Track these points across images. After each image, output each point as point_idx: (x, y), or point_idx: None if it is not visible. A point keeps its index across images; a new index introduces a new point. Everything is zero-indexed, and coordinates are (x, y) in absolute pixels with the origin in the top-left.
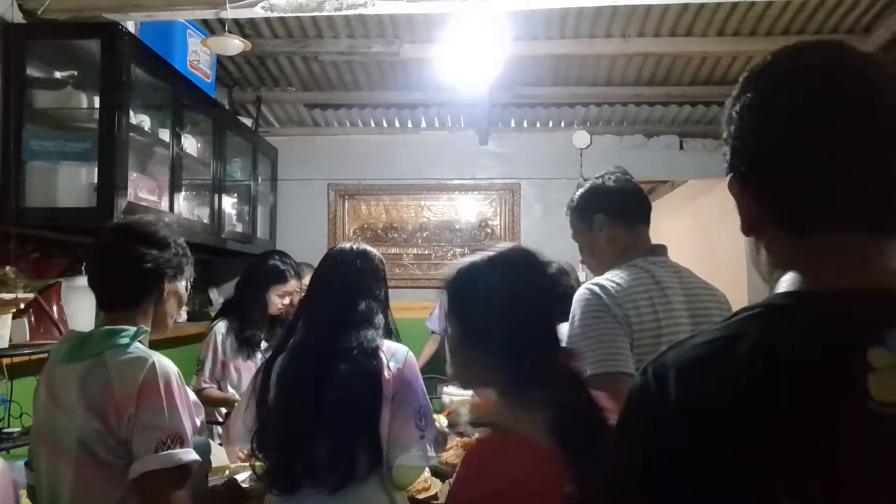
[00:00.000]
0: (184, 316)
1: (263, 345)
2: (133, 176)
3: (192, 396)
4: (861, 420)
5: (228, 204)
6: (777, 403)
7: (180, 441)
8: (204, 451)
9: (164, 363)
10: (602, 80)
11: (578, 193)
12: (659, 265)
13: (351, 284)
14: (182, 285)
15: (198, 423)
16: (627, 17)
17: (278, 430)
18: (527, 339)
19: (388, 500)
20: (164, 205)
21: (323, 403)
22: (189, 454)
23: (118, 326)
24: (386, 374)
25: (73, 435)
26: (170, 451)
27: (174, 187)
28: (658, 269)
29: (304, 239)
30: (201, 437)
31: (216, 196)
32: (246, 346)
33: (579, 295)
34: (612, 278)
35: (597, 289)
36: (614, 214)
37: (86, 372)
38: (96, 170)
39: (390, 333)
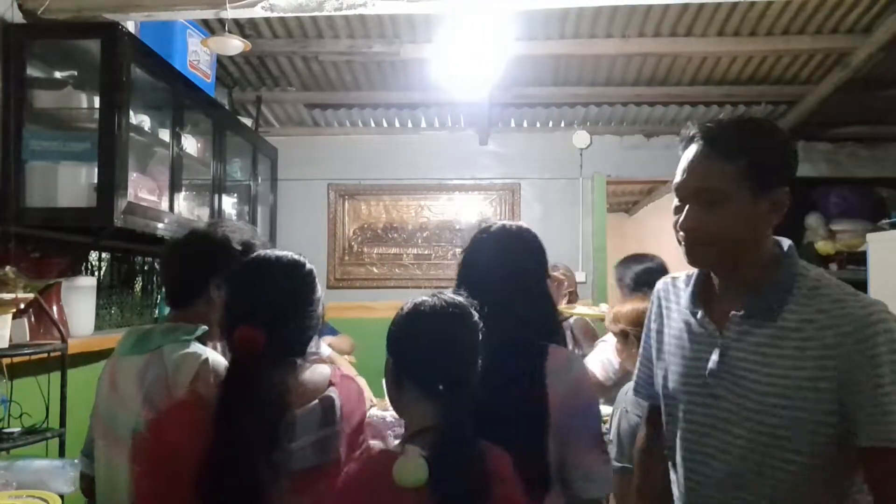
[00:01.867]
0: None
1: None
2: (133, 176)
3: None
4: None
5: (228, 204)
6: None
7: None
8: None
9: (218, 360)
10: (602, 80)
11: (757, 137)
12: None
13: (504, 271)
14: None
15: None
16: (627, 17)
17: None
18: None
19: None
20: (164, 205)
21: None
22: None
23: (179, 324)
24: (552, 396)
25: (129, 425)
26: None
27: (174, 187)
28: None
29: (304, 239)
30: None
31: (216, 196)
32: None
33: None
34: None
35: None
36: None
37: (145, 364)
38: (96, 170)
39: (554, 333)
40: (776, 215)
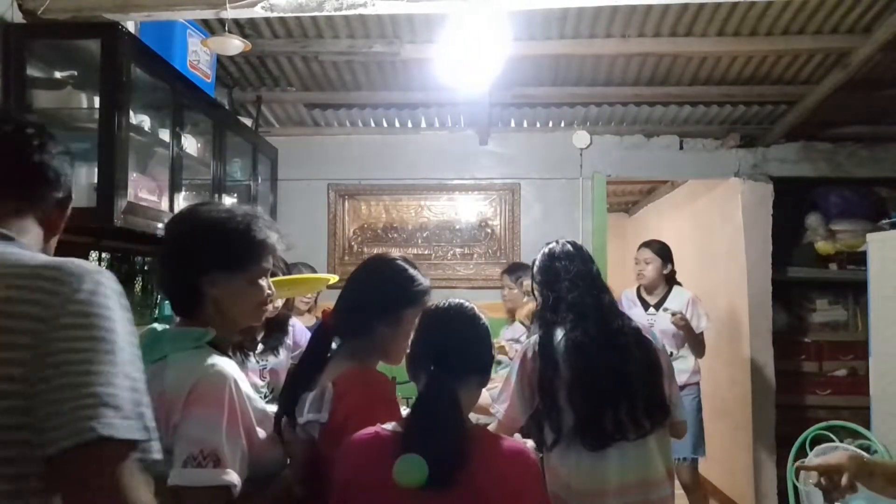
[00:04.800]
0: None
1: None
2: (133, 176)
3: (260, 405)
4: None
5: (228, 204)
6: None
7: (215, 459)
8: (271, 469)
9: (221, 371)
10: (602, 80)
11: None
12: None
13: (591, 278)
14: (239, 283)
15: (262, 434)
16: (627, 17)
17: (584, 398)
18: None
19: (668, 445)
20: (164, 205)
21: (623, 374)
22: (222, 475)
23: (187, 328)
24: (658, 347)
25: None
26: (199, 468)
27: (174, 187)
28: None
29: (303, 239)
30: (274, 453)
31: (216, 196)
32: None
33: None
34: None
35: None
36: None
37: (151, 376)
38: (96, 170)
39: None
40: None
